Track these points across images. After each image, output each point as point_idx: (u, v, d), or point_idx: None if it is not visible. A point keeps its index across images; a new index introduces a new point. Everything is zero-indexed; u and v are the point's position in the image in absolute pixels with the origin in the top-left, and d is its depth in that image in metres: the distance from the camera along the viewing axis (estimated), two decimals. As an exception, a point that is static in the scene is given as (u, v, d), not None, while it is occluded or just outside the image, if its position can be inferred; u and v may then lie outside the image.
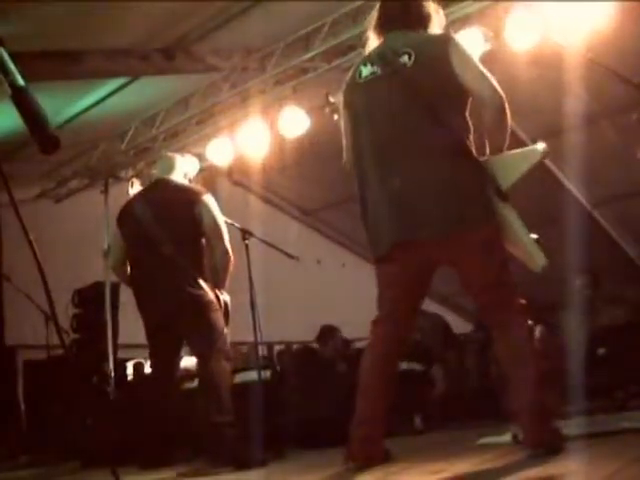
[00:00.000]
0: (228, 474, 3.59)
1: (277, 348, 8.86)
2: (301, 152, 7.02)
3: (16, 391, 7.13)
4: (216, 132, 6.82)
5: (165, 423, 4.10)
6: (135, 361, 7.21)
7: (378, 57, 2.95)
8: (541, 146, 2.81)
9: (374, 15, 3.07)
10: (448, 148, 2.77)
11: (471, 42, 5.24)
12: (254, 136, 6.54)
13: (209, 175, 8.36)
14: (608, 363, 4.84)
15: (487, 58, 5.37)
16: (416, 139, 2.81)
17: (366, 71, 2.96)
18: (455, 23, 5.26)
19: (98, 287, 7.30)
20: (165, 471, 3.95)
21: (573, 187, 8.57)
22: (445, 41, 2.88)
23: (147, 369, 6.46)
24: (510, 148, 2.83)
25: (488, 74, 2.83)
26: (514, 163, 2.77)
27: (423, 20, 2.99)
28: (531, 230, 2.81)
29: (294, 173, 8.52)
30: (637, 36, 5.59)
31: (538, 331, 5.77)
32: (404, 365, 5.52)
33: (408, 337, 3.08)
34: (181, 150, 7.01)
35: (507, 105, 2.79)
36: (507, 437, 3.07)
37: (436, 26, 3.04)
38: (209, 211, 4.09)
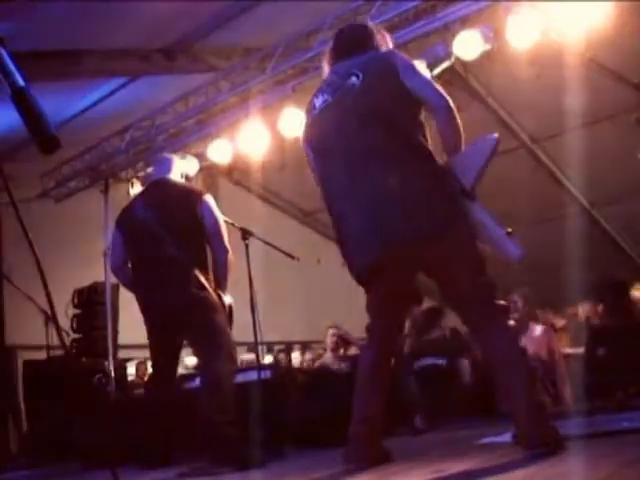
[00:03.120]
0: (228, 474, 3.59)
1: (277, 348, 8.87)
2: (301, 152, 7.02)
3: (16, 391, 7.12)
4: (216, 132, 6.83)
5: (165, 423, 4.10)
6: (137, 361, 7.21)
7: (327, 85, 3.02)
8: (492, 137, 2.79)
9: (327, 50, 3.19)
10: (408, 157, 2.77)
11: (471, 42, 5.26)
12: (254, 136, 6.55)
13: (209, 175, 8.38)
14: (608, 363, 4.83)
15: (487, 58, 5.40)
16: (376, 154, 2.80)
17: (319, 102, 3.01)
18: (455, 23, 5.27)
19: (98, 287, 7.31)
20: (165, 471, 3.95)
21: (572, 186, 8.58)
22: (390, 55, 2.97)
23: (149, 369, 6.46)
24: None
25: (432, 80, 2.91)
26: (471, 159, 2.77)
27: (372, 46, 3.07)
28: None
29: (294, 173, 8.52)
30: (637, 36, 5.60)
31: (539, 330, 5.78)
32: (428, 360, 5.57)
33: (401, 336, 3.10)
34: (181, 150, 7.03)
35: (454, 108, 2.81)
36: (507, 437, 3.07)
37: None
38: (210, 211, 4.08)
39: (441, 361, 5.54)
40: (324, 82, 3.09)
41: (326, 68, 3.16)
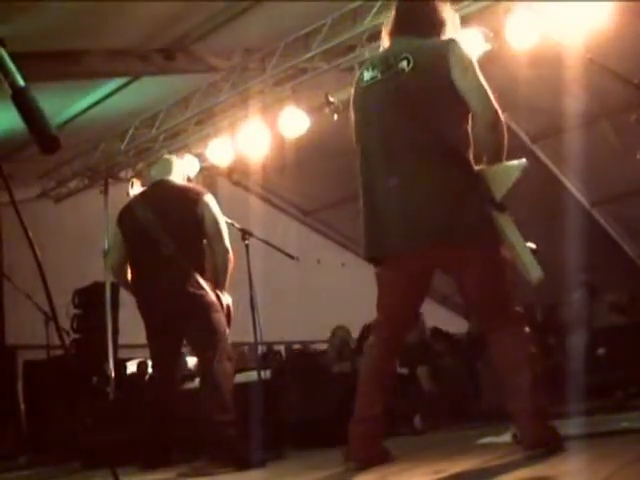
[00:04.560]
0: (228, 474, 3.59)
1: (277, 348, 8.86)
2: (301, 152, 7.02)
3: (16, 391, 7.13)
4: (216, 132, 6.83)
5: (166, 423, 4.10)
6: (138, 360, 7.21)
7: (380, 61, 2.95)
8: (522, 163, 2.72)
9: (390, 16, 3.05)
10: (440, 156, 2.74)
11: (471, 42, 5.26)
12: (254, 136, 6.54)
13: (209, 175, 8.37)
14: (608, 363, 4.84)
15: (487, 58, 5.40)
16: (408, 146, 2.78)
17: (368, 75, 2.96)
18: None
19: (98, 287, 7.31)
20: (165, 471, 3.95)
21: (572, 186, 8.57)
22: (446, 47, 2.80)
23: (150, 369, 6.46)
24: (509, 148, 2.79)
25: (485, 86, 2.75)
26: (503, 175, 2.71)
27: (436, 26, 2.94)
28: (530, 229, 2.79)
29: (294, 173, 8.52)
30: (637, 36, 5.60)
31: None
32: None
33: (406, 337, 3.09)
34: (181, 150, 7.03)
35: (501, 120, 2.72)
36: (507, 437, 3.07)
37: (450, 31, 2.98)
38: (210, 211, 4.08)
39: (403, 370, 5.50)
40: (379, 55, 3.03)
41: (385, 39, 3.04)
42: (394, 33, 2.99)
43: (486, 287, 2.77)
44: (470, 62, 2.78)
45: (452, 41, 2.85)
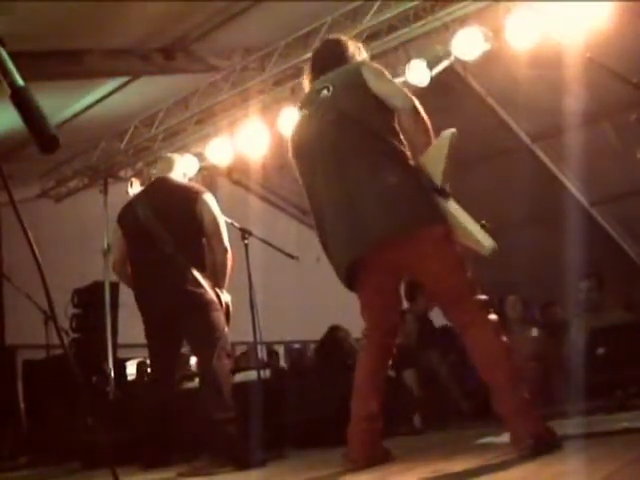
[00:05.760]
0: (228, 474, 3.59)
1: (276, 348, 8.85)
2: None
3: (16, 391, 7.13)
4: (216, 132, 6.83)
5: (165, 423, 4.10)
6: (138, 360, 7.21)
7: (305, 101, 3.22)
8: (449, 131, 2.86)
9: (307, 68, 3.38)
10: (380, 159, 2.88)
11: (470, 42, 5.27)
12: (254, 136, 6.55)
13: (209, 175, 8.37)
14: (608, 363, 4.83)
15: (487, 58, 5.40)
16: (349, 158, 2.92)
17: (299, 116, 3.21)
18: (455, 23, 5.28)
19: (97, 287, 7.31)
20: (165, 471, 3.95)
21: (572, 186, 8.57)
22: (358, 65, 3.13)
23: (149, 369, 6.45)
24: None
25: (398, 84, 3.12)
26: (435, 154, 2.86)
27: (346, 59, 3.23)
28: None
29: (293, 172, 8.52)
30: (637, 36, 5.60)
31: (535, 332, 5.80)
32: None
33: (396, 339, 3.14)
34: (181, 150, 7.03)
35: (420, 108, 2.92)
36: (506, 437, 3.07)
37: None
38: (209, 210, 4.09)
39: (391, 373, 5.49)
40: (303, 98, 3.28)
41: (306, 84, 3.33)
42: (314, 77, 3.26)
43: (444, 280, 2.82)
44: (381, 71, 3.09)
45: (361, 61, 3.25)
